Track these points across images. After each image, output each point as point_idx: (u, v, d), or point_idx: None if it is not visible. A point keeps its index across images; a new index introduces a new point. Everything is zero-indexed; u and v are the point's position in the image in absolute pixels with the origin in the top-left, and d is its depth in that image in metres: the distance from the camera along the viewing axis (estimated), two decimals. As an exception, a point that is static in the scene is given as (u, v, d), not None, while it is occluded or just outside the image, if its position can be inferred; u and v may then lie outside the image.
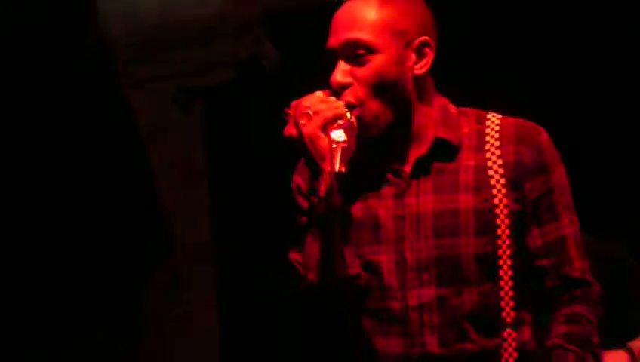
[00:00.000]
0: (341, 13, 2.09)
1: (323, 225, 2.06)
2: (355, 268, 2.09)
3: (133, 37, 4.49)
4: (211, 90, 4.64)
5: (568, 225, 2.10)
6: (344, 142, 2.00)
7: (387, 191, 2.11)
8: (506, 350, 2.07)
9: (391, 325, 2.07)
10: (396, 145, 2.11)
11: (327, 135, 2.01)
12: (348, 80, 2.06)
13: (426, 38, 2.09)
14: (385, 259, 2.08)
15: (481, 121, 2.13)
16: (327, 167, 2.00)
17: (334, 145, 1.99)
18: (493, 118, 2.14)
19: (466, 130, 2.12)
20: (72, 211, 4.28)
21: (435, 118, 2.12)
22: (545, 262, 2.09)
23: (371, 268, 2.09)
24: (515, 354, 2.06)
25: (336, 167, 1.98)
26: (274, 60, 4.53)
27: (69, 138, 4.28)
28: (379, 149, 2.12)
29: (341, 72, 2.06)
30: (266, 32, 4.53)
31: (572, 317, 2.07)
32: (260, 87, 4.54)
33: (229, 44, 4.59)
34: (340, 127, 2.02)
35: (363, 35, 2.05)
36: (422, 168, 2.10)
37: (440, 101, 2.15)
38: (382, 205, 2.10)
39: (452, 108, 2.15)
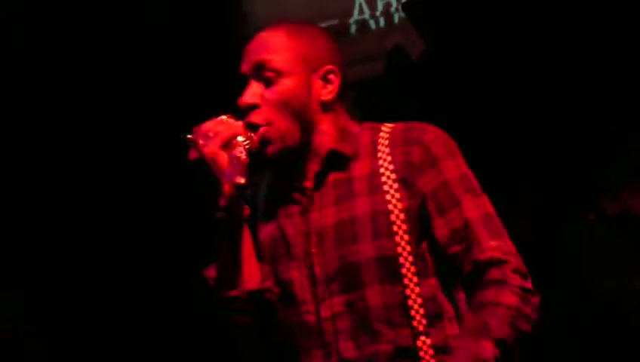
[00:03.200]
0: (253, 41, 2.21)
1: (227, 235, 2.14)
2: (267, 282, 2.16)
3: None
4: (361, 82, 4.67)
5: (472, 209, 2.09)
6: (244, 157, 2.10)
7: (295, 209, 2.18)
8: (422, 349, 2.06)
9: (309, 339, 2.12)
10: (299, 164, 2.19)
11: (228, 152, 2.11)
12: (256, 101, 2.15)
13: (332, 66, 2.18)
14: (296, 275, 2.14)
15: (376, 132, 2.19)
16: (226, 181, 2.07)
17: (235, 161, 2.09)
18: (385, 127, 2.19)
19: (363, 141, 2.18)
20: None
21: (333, 135, 2.18)
22: (455, 249, 2.08)
23: (285, 285, 2.15)
24: (431, 352, 2.05)
25: (237, 179, 2.07)
26: (419, 49, 4.52)
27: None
28: (285, 170, 2.20)
29: (250, 94, 2.16)
30: (410, 21, 4.52)
31: (477, 307, 2.03)
32: (407, 76, 4.54)
33: (374, 36, 4.62)
34: (240, 145, 2.12)
35: (272, 58, 2.15)
36: (321, 182, 2.17)
37: (342, 122, 2.21)
38: (290, 223, 2.17)
39: (353, 128, 2.21)
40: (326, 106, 2.18)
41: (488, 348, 1.96)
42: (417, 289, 2.07)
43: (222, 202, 2.08)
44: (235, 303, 2.15)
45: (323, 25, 4.51)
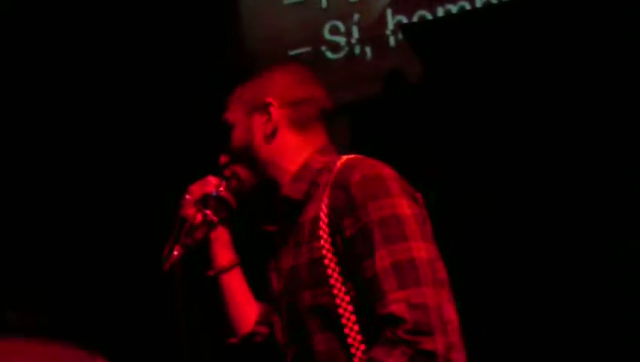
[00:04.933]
0: None
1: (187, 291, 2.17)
2: (256, 326, 2.23)
3: (277, 53, 4.57)
4: (354, 107, 4.65)
5: (384, 258, 1.95)
6: (210, 217, 2.21)
7: (276, 251, 2.20)
8: None
9: None
10: (271, 206, 2.21)
11: (197, 212, 2.20)
12: (224, 157, 2.26)
13: (269, 99, 2.18)
14: (277, 317, 2.18)
15: (332, 168, 2.12)
16: (171, 246, 2.15)
17: (192, 224, 2.18)
18: (339, 164, 2.13)
19: (323, 180, 2.13)
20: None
21: (289, 175, 2.16)
22: (367, 300, 1.98)
23: (272, 325, 2.21)
24: None
25: (177, 249, 2.14)
26: (417, 73, 4.50)
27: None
28: (266, 212, 2.23)
29: (223, 151, 2.26)
30: (409, 44, 4.52)
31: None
32: (404, 99, 4.53)
33: (369, 59, 4.61)
34: (212, 202, 2.21)
35: (226, 115, 2.26)
36: (285, 226, 2.17)
37: (306, 155, 2.16)
38: (273, 266, 2.21)
39: (316, 163, 2.15)
40: (270, 140, 2.17)
41: None
42: (359, 337, 2.00)
43: (165, 266, 2.13)
44: (234, 348, 2.23)
45: (317, 48, 4.53)
